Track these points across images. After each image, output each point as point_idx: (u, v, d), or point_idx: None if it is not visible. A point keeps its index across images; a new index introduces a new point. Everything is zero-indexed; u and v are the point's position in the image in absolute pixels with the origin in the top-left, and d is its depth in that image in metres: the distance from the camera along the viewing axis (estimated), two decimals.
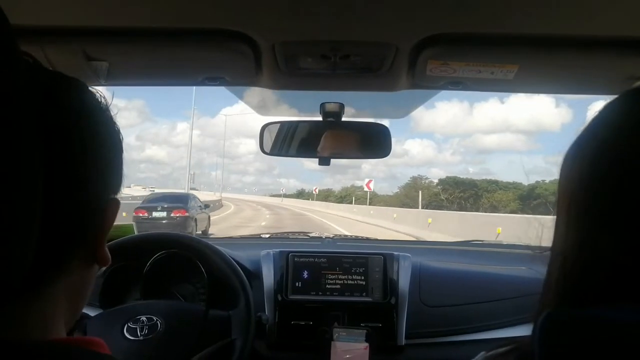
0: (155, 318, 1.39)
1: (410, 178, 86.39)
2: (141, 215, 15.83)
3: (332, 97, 1.44)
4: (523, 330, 0.59)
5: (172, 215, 15.76)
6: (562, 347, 0.47)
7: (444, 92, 1.30)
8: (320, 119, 1.46)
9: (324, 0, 0.88)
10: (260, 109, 1.87)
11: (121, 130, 0.58)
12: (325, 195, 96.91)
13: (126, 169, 0.59)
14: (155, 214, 15.85)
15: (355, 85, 1.31)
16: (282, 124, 1.58)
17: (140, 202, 17.56)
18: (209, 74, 1.22)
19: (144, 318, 1.39)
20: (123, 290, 1.64)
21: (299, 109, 1.73)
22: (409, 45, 1.04)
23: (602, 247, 0.50)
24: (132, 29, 1.01)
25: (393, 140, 1.53)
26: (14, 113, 0.37)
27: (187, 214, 15.92)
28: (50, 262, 0.49)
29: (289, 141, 1.57)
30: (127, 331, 1.36)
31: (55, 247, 0.48)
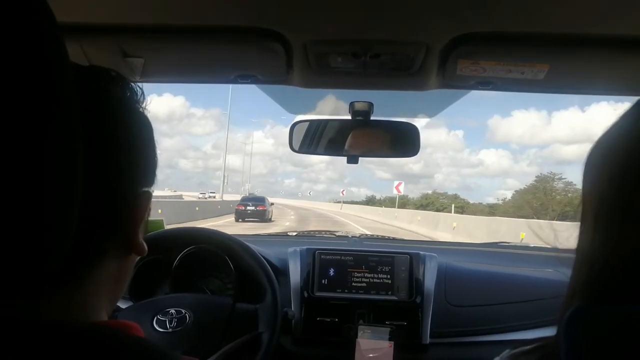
0: (184, 311, 1.42)
1: (536, 178, 57.90)
2: (241, 208, 27.16)
3: (361, 96, 1.45)
4: (549, 332, 0.58)
5: (257, 208, 27.19)
6: (589, 342, 0.47)
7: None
8: (349, 117, 1.48)
9: (355, 0, 0.90)
10: (290, 107, 1.89)
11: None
12: (402, 203, 75.32)
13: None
14: (248, 208, 27.11)
15: (385, 85, 1.31)
16: (312, 122, 1.59)
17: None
18: (241, 71, 1.24)
19: (173, 311, 1.42)
20: (153, 284, 1.67)
21: (329, 108, 1.74)
22: (439, 45, 1.04)
23: (633, 248, 0.49)
24: (168, 26, 1.03)
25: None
26: (61, 104, 0.39)
27: (265, 208, 27.65)
28: (89, 250, 0.51)
29: (318, 139, 1.58)
30: (156, 323, 1.39)
31: (93, 235, 0.51)
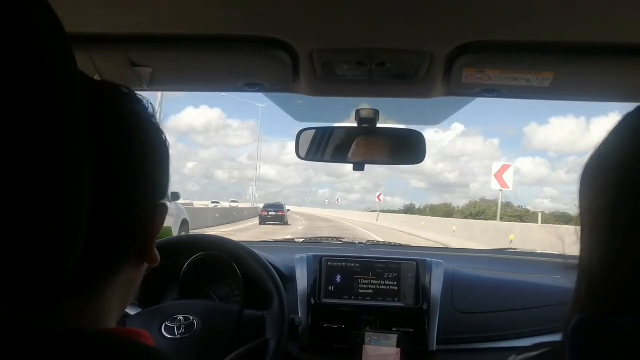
0: (192, 317, 1.42)
1: None
2: (264, 214, 33.28)
3: (367, 103, 1.46)
4: (556, 339, 0.59)
5: (277, 213, 33.22)
6: (594, 353, 0.47)
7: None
8: (355, 124, 1.49)
9: (361, 9, 0.91)
10: (297, 115, 1.90)
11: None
12: (446, 212, 67.71)
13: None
14: (270, 213, 33.15)
15: (390, 92, 1.32)
16: (318, 130, 1.60)
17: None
18: (248, 80, 1.25)
19: (181, 317, 1.42)
20: (161, 290, 1.67)
21: (334, 115, 1.75)
22: (444, 53, 1.05)
23: (633, 259, 0.50)
24: (176, 36, 1.05)
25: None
26: (68, 115, 0.40)
27: (283, 213, 33.71)
28: (104, 262, 0.53)
29: (325, 147, 1.60)
30: (165, 330, 1.40)
31: (108, 249, 0.52)
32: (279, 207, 34.93)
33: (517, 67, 1.08)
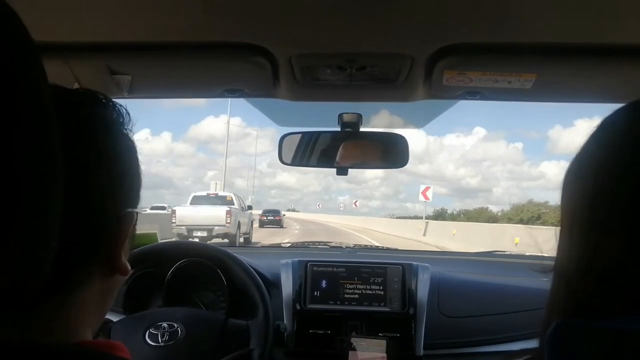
0: (176, 325, 1.41)
1: None
2: (263, 218, 36.05)
3: (351, 107, 1.46)
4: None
5: (275, 218, 36.75)
6: (572, 357, 0.47)
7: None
8: (338, 129, 1.48)
9: (339, 13, 0.90)
10: (279, 120, 1.89)
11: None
12: (488, 217, 54.83)
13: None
14: (268, 218, 36.37)
15: (372, 96, 1.32)
16: (303, 134, 1.60)
17: None
18: (229, 86, 1.25)
19: (165, 324, 1.41)
20: (146, 297, 1.66)
21: (318, 120, 1.75)
22: (424, 56, 1.05)
23: (608, 260, 0.50)
24: (154, 44, 1.04)
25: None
26: (39, 125, 0.39)
27: (280, 218, 37.66)
28: (72, 270, 0.51)
29: (309, 152, 1.59)
30: (148, 337, 1.39)
31: (76, 256, 0.51)
32: (275, 212, 39.60)
33: (499, 69, 1.08)
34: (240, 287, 1.55)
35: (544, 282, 1.80)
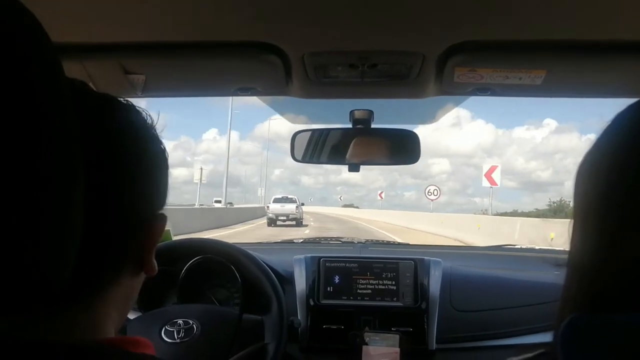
0: (191, 321, 1.42)
1: None
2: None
3: (361, 104, 1.47)
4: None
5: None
6: (586, 352, 0.47)
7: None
8: (349, 126, 1.49)
9: (351, 12, 0.91)
10: (291, 117, 1.90)
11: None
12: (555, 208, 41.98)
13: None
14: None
15: (383, 93, 1.33)
16: (313, 131, 1.60)
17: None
18: (241, 84, 1.26)
19: (180, 321, 1.42)
20: (161, 294, 1.67)
21: (329, 117, 1.75)
22: (435, 53, 1.05)
23: (623, 254, 0.50)
24: (168, 43, 1.05)
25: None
26: (60, 125, 0.40)
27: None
28: (100, 273, 0.53)
29: (320, 148, 1.59)
30: (164, 334, 1.40)
31: (104, 260, 0.52)
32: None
33: (509, 65, 1.08)
34: (253, 282, 1.57)
35: (555, 276, 1.81)
